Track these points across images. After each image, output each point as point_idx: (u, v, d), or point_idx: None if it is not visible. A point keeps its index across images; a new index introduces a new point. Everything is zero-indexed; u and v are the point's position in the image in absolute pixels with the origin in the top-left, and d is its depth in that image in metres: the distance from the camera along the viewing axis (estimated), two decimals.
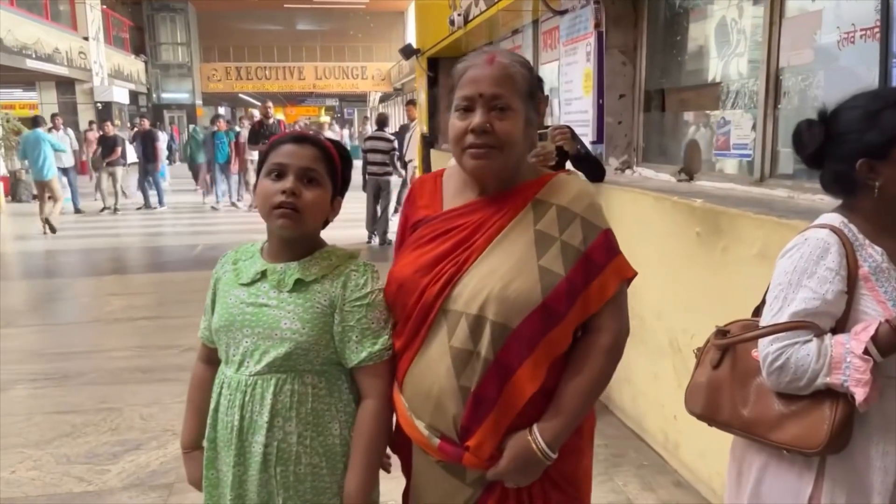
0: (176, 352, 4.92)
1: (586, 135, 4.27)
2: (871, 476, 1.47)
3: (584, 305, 1.43)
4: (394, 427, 1.60)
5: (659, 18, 4.21)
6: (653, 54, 4.25)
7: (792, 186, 2.92)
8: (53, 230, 10.65)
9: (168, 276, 7.79)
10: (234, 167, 13.86)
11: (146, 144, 13.81)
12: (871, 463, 1.47)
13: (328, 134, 8.86)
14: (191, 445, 1.71)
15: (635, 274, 1.50)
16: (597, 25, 4.20)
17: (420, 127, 10.36)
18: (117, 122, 15.22)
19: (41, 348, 5.16)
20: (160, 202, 13.98)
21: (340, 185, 1.60)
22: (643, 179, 4.08)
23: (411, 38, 12.09)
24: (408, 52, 9.87)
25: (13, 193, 15.53)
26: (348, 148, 1.72)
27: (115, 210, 13.30)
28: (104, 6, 24.97)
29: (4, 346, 5.14)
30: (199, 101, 32.01)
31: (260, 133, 11.67)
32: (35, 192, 13.20)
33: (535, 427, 1.43)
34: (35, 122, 12.29)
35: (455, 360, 1.42)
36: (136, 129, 14.77)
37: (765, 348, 1.50)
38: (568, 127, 3.53)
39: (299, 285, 1.51)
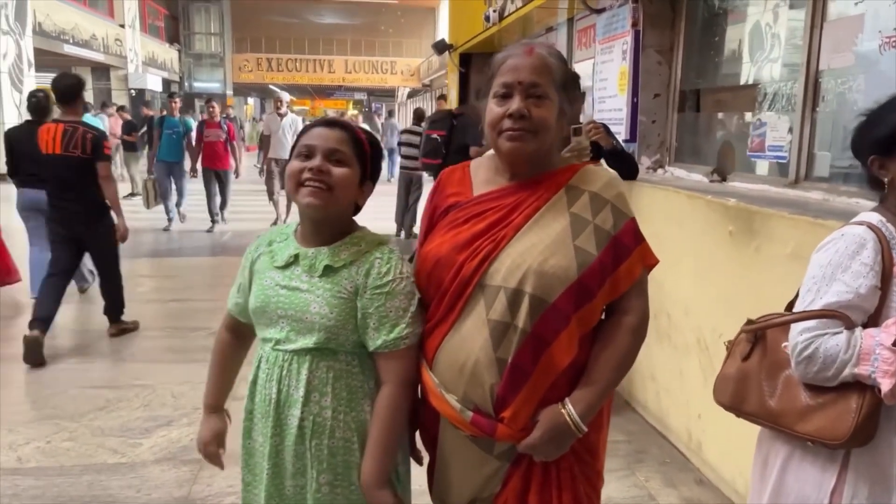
0: (204, 334, 5.00)
1: (619, 133, 4.28)
2: (894, 470, 1.48)
3: (613, 286, 1.51)
4: (419, 405, 1.65)
5: (697, 19, 4.21)
6: (689, 55, 4.25)
7: (828, 189, 2.92)
8: None
9: (196, 260, 7.94)
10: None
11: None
12: (895, 457, 1.49)
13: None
14: (208, 407, 1.78)
15: (657, 261, 1.58)
16: (634, 24, 4.21)
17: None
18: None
19: (73, 326, 5.29)
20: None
21: (371, 172, 1.64)
22: (675, 179, 4.08)
23: (441, 35, 12.12)
24: (441, 46, 9.91)
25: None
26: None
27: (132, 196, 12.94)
28: None
29: None
30: (229, 91, 32.35)
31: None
32: None
33: (567, 400, 1.49)
34: (84, 108, 12.84)
35: (493, 332, 1.47)
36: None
37: (794, 338, 1.52)
38: (602, 124, 3.55)
39: (329, 271, 1.56)
